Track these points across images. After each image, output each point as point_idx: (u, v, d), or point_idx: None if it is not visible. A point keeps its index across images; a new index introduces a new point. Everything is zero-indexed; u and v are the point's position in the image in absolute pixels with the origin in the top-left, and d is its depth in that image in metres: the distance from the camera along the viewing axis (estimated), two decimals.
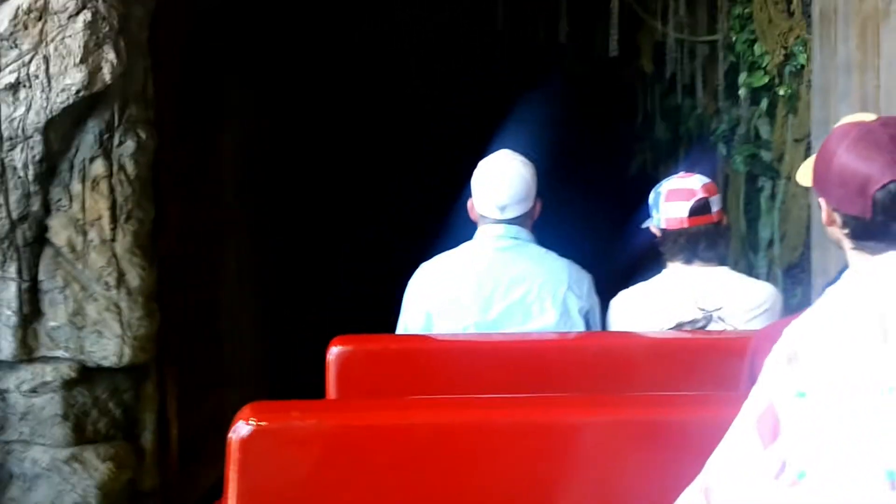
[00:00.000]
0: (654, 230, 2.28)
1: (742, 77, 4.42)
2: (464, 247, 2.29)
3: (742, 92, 4.44)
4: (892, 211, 1.28)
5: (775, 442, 0.67)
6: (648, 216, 2.30)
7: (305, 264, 4.74)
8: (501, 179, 2.22)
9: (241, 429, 1.39)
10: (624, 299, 2.28)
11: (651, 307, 2.21)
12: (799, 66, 4.12)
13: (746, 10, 4.38)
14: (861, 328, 0.62)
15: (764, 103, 4.39)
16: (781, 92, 4.25)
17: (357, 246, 5.35)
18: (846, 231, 1.37)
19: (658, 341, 2.11)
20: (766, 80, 4.32)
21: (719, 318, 2.15)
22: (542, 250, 2.27)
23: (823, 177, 1.37)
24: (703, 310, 2.15)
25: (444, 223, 6.59)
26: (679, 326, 2.16)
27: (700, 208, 2.17)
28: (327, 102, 4.77)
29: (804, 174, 1.57)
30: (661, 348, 2.09)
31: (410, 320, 2.23)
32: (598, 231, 7.65)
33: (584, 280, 2.26)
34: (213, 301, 3.31)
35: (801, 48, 4.07)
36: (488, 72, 5.87)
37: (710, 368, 1.85)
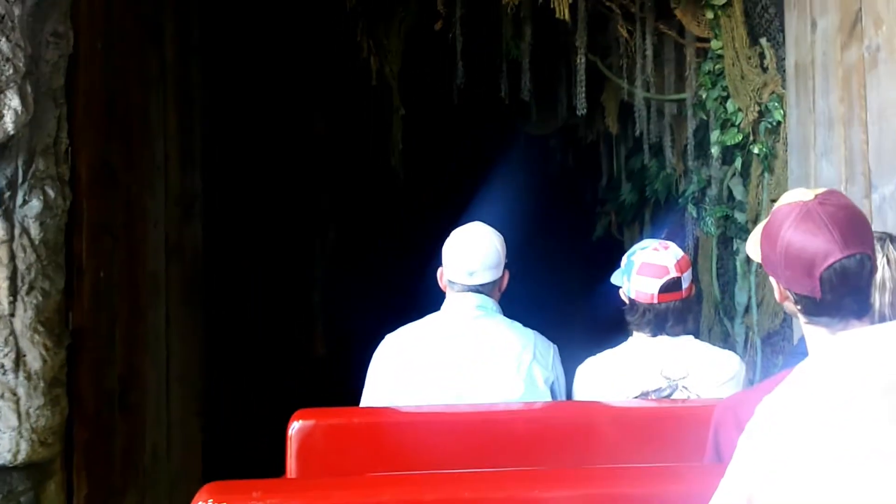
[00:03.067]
0: (622, 296, 2.28)
1: (714, 135, 4.21)
2: (429, 318, 2.27)
3: (714, 150, 4.23)
4: (839, 289, 1.29)
5: None
6: (617, 274, 2.31)
7: (252, 336, 4.33)
8: (472, 246, 2.24)
9: None
10: (590, 367, 2.27)
11: (617, 375, 2.20)
12: (775, 123, 3.92)
13: (717, 66, 4.20)
14: (835, 407, 0.61)
15: (738, 162, 4.18)
16: (756, 150, 4.04)
17: (310, 314, 4.96)
18: (799, 307, 1.37)
19: (623, 411, 2.11)
20: (740, 137, 4.12)
21: (684, 387, 2.16)
22: (508, 321, 2.25)
23: (771, 258, 1.37)
24: (668, 378, 2.16)
25: (400, 293, 6.28)
26: (644, 395, 2.16)
27: (671, 286, 2.17)
28: (275, 150, 4.44)
29: (752, 248, 1.55)
30: (627, 418, 2.08)
31: (375, 393, 2.19)
32: (563, 297, 7.42)
33: (550, 350, 2.25)
34: (135, 382, 2.89)
35: (776, 104, 3.88)
36: (445, 129, 5.61)
37: (675, 437, 1.87)
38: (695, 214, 4.83)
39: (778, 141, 3.96)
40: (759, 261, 1.46)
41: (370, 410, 2.14)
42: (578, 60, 4.50)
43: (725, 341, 4.59)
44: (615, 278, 2.30)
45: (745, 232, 4.32)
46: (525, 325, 2.29)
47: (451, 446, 1.90)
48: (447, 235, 2.33)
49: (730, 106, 4.13)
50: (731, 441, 1.27)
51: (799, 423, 0.65)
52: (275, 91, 4.34)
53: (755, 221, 4.25)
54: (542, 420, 2.06)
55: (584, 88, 4.41)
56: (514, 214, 7.00)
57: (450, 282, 2.26)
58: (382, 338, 2.26)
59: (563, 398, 2.23)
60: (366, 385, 2.22)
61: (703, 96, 4.28)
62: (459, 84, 4.48)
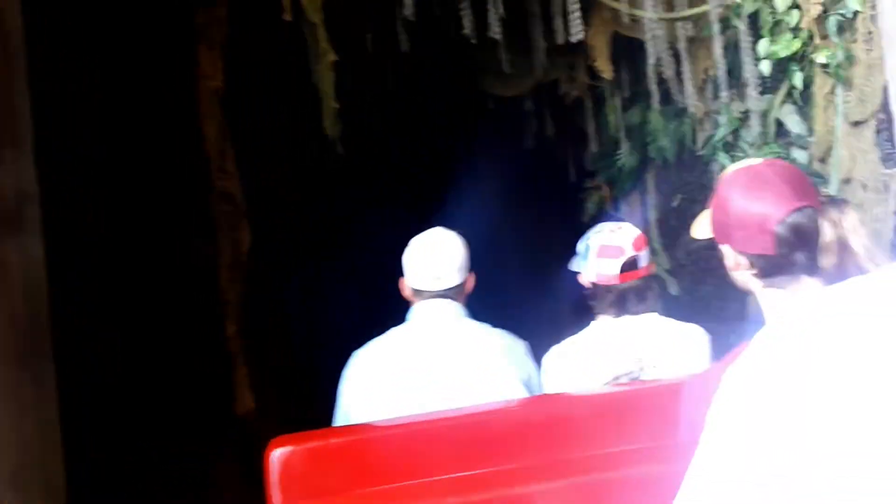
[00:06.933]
0: (583, 282, 2.31)
1: (761, 46, 3.11)
2: (397, 330, 2.26)
3: (763, 67, 3.13)
4: (793, 243, 1.36)
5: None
6: (576, 261, 2.34)
7: (142, 396, 3.04)
8: (435, 250, 2.25)
9: None
10: (556, 356, 2.28)
11: (585, 361, 2.22)
12: (851, 14, 2.84)
13: None
14: (806, 369, 0.61)
15: (796, 79, 3.08)
16: (823, 59, 2.95)
17: (227, 354, 3.63)
18: (754, 271, 1.42)
19: (598, 397, 2.13)
20: (798, 45, 3.03)
21: (653, 365, 2.19)
22: (476, 324, 2.26)
23: (723, 223, 1.44)
24: (637, 359, 2.18)
25: (353, 307, 5.06)
26: (616, 379, 2.18)
27: (630, 265, 2.24)
28: (154, 120, 3.12)
29: (699, 227, 1.57)
30: (603, 404, 2.08)
31: (348, 413, 2.19)
32: (551, 293, 6.33)
33: (520, 348, 2.27)
34: None
35: None
36: (391, 87, 4.35)
37: (652, 418, 1.86)
38: (728, 165, 3.73)
39: (856, 40, 2.88)
40: (709, 236, 1.50)
41: (349, 428, 2.13)
42: None
43: None
44: (573, 265, 2.34)
45: (811, 176, 3.23)
46: (509, 323, 2.31)
47: (433, 454, 1.91)
48: (402, 226, 2.33)
49: (779, 2, 3.04)
50: (703, 416, 1.27)
51: (766, 393, 0.63)
52: (147, 31, 3.07)
53: (825, 159, 3.16)
54: (521, 416, 2.06)
55: (578, 5, 3.27)
56: (485, 202, 5.90)
57: (414, 290, 2.25)
58: (339, 373, 2.21)
59: (539, 393, 2.25)
60: (337, 406, 2.23)
61: None
62: (408, 17, 3.31)
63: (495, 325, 2.29)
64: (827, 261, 1.38)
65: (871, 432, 0.56)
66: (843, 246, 1.38)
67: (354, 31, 3.35)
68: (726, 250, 1.46)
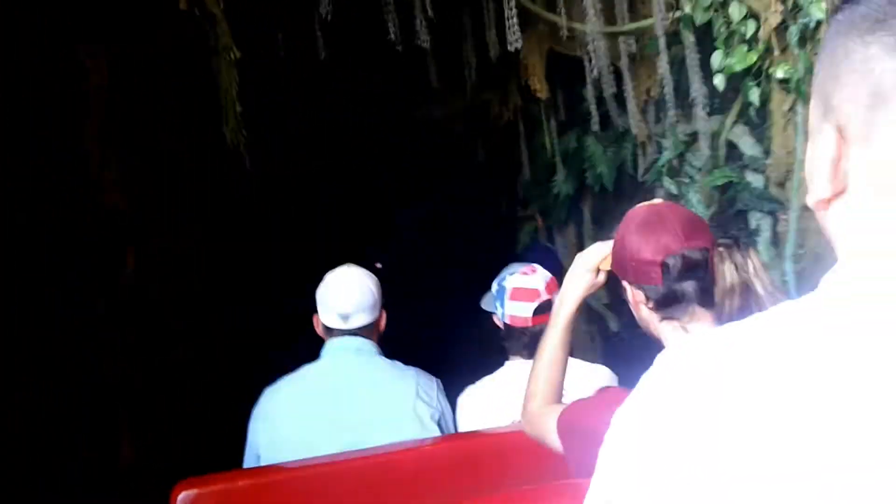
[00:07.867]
0: (497, 322, 2.33)
1: (716, 59, 2.84)
2: (308, 367, 2.23)
3: (717, 81, 2.85)
4: (681, 273, 1.39)
5: None
6: (489, 300, 2.40)
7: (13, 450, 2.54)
8: (345, 288, 2.25)
9: None
10: (471, 396, 2.30)
11: (498, 401, 2.25)
12: (813, 24, 2.59)
13: None
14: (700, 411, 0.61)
15: (753, 95, 2.81)
16: (781, 73, 2.69)
17: (107, 398, 3.12)
18: (650, 304, 1.43)
19: (509, 436, 2.10)
20: (755, 58, 2.76)
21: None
22: (388, 362, 2.25)
23: (620, 257, 1.47)
24: None
25: (258, 342, 4.61)
26: None
27: (543, 307, 2.24)
28: (15, 116, 2.65)
29: (606, 260, 1.62)
30: (514, 442, 2.01)
31: (260, 451, 2.13)
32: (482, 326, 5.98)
33: (433, 386, 2.26)
34: None
35: None
36: (308, 99, 3.96)
37: (560, 456, 1.81)
38: (675, 191, 3.45)
39: (818, 51, 2.63)
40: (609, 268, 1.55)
41: (257, 470, 2.07)
42: None
43: None
44: (486, 304, 2.44)
45: (764, 201, 2.96)
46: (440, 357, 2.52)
47: (345, 495, 1.90)
48: (318, 255, 2.47)
49: (734, 11, 2.77)
50: (577, 447, 1.43)
51: (663, 435, 0.61)
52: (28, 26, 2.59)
53: (784, 183, 2.89)
54: (432, 456, 2.06)
55: (514, 10, 2.95)
56: (414, 232, 5.54)
57: (326, 327, 2.25)
58: (248, 414, 2.15)
59: (451, 431, 2.25)
60: (247, 446, 2.17)
61: (690, 7, 2.90)
62: (325, 16, 2.93)
63: (412, 362, 2.27)
64: (730, 304, 1.39)
65: (775, 473, 0.54)
66: (746, 289, 1.39)
67: (261, 30, 2.93)
68: (626, 286, 1.48)
